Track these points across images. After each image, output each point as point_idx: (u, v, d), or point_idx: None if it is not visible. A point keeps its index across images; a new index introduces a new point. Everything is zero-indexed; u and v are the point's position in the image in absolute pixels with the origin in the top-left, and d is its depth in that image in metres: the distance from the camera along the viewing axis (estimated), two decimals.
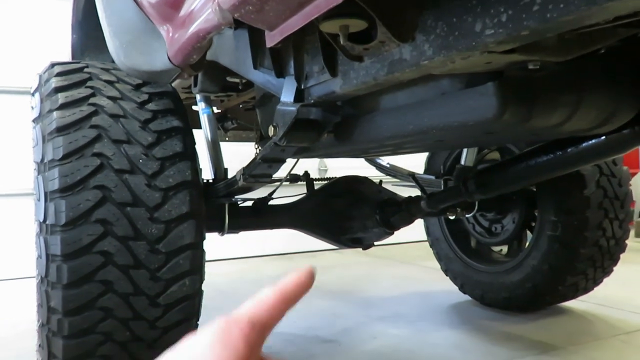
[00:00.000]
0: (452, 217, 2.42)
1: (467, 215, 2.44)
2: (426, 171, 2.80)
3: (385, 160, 2.82)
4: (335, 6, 0.79)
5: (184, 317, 1.31)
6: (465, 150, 2.32)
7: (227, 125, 2.85)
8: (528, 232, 2.50)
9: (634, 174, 5.34)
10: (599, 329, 2.25)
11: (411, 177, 2.47)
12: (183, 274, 1.28)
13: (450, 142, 1.44)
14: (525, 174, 1.43)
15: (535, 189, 2.31)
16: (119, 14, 1.41)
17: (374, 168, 2.85)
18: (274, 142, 1.27)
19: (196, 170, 1.41)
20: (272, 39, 0.93)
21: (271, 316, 0.38)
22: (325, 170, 4.60)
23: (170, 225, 1.28)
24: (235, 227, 1.91)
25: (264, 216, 2.05)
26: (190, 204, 1.32)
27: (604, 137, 1.24)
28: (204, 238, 1.36)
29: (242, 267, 3.99)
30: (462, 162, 2.34)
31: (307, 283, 0.42)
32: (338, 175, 2.19)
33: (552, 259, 2.23)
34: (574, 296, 2.41)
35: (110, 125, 1.35)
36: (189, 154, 1.41)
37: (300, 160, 2.28)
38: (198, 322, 1.41)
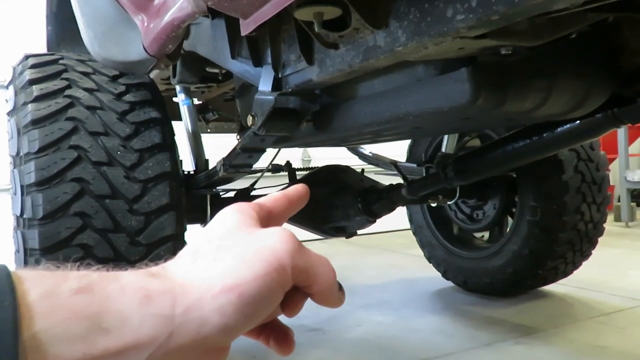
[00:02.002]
0: (434, 205, 2.44)
1: (448, 203, 2.47)
2: (408, 159, 2.82)
3: (367, 149, 2.83)
4: None
5: None
6: (445, 137, 2.34)
7: (208, 117, 2.83)
8: (509, 218, 2.54)
9: (612, 159, 5.43)
10: (578, 311, 2.30)
11: (393, 165, 2.49)
12: None
13: (428, 128, 1.45)
14: (503, 159, 1.45)
15: (515, 175, 2.33)
16: (93, 4, 1.39)
17: (357, 157, 2.87)
18: (253, 132, 1.27)
19: (176, 162, 1.40)
20: (246, 27, 0.93)
21: (275, 205, 0.47)
22: (309, 160, 4.60)
23: (150, 217, 1.28)
24: None
25: None
26: (170, 196, 1.31)
27: (578, 122, 1.26)
28: (185, 229, 1.35)
29: None
30: (443, 149, 2.36)
31: (304, 193, 0.50)
32: (321, 165, 2.20)
33: (532, 244, 2.27)
34: (554, 280, 2.46)
35: (87, 117, 1.33)
36: (168, 145, 1.40)
37: (284, 150, 2.29)
38: None
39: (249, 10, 0.89)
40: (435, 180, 1.71)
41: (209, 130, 3.06)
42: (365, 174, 2.14)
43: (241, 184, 2.25)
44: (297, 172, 2.23)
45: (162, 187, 1.31)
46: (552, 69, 1.00)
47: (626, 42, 1.08)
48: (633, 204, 4.98)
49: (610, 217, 5.15)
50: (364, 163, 2.82)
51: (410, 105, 1.02)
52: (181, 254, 0.40)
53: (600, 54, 1.07)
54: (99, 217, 1.22)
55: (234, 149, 1.50)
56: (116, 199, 1.25)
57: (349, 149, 2.85)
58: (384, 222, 2.19)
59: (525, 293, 2.54)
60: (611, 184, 5.44)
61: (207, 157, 1.92)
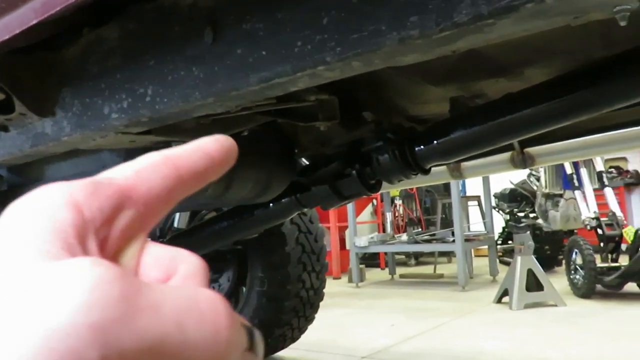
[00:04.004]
0: None
1: None
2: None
3: None
4: None
5: None
6: (177, 213, 2.36)
7: None
8: (244, 289, 2.64)
9: (345, 227, 6.17)
10: None
11: None
12: None
13: None
14: (213, 237, 1.52)
15: (241, 247, 2.46)
16: None
17: None
18: None
19: None
20: None
21: (142, 180, 0.22)
22: None
23: None
24: None
25: None
26: None
27: (271, 205, 1.40)
28: None
29: None
30: (176, 224, 2.38)
31: (223, 158, 0.24)
32: None
33: (261, 314, 2.39)
34: (283, 346, 2.61)
35: None
36: None
37: None
38: None
39: None
40: None
41: None
42: None
43: None
44: None
45: None
46: None
47: (299, 139, 1.26)
48: (362, 266, 5.69)
49: (345, 279, 5.79)
50: None
51: None
52: None
53: (279, 148, 1.23)
54: None
55: None
56: None
57: None
58: None
59: None
60: (347, 248, 6.16)
61: None
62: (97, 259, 0.18)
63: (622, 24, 0.54)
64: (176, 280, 0.22)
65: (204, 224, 1.54)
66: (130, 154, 1.00)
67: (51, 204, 0.19)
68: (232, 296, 2.62)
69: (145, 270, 0.22)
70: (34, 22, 0.56)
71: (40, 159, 1.05)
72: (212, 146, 0.24)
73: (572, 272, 4.25)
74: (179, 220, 2.36)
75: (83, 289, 0.16)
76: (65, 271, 0.17)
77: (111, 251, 0.21)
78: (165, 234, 2.44)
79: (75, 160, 1.07)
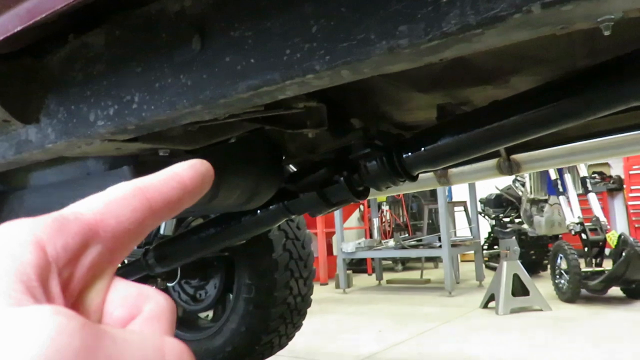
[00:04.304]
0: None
1: (169, 285, 2.44)
2: None
3: None
4: None
5: None
6: None
7: None
8: (231, 296, 2.63)
9: (332, 233, 6.17)
10: None
11: None
12: None
13: None
14: (199, 245, 1.51)
15: (227, 254, 2.45)
16: None
17: None
18: None
19: None
20: None
21: (109, 215, 0.22)
22: None
23: None
24: None
25: None
26: None
27: (259, 212, 1.40)
28: None
29: None
30: (162, 231, 2.35)
31: (196, 185, 0.24)
32: None
33: (248, 321, 2.37)
34: (271, 353, 2.59)
35: None
36: None
37: None
38: None
39: None
40: (138, 268, 1.67)
41: None
42: None
43: None
44: None
45: None
46: (220, 167, 1.10)
47: (286, 146, 1.26)
48: (349, 271, 5.68)
49: (332, 285, 5.78)
50: None
51: (79, 199, 0.99)
52: None
53: (266, 155, 1.23)
54: None
55: None
56: None
57: None
58: None
59: None
60: (334, 254, 6.16)
61: None
62: (58, 308, 0.17)
63: (606, 33, 0.55)
64: (140, 321, 0.21)
65: (190, 231, 1.53)
66: (115, 163, 0.99)
67: (13, 243, 0.19)
68: (219, 303, 2.60)
69: (110, 308, 0.21)
70: (19, 28, 0.55)
71: (24, 167, 1.03)
72: (186, 174, 0.24)
73: (557, 276, 4.28)
74: (165, 227, 2.34)
75: (42, 340, 0.16)
76: (25, 320, 0.16)
77: (76, 290, 0.20)
78: (151, 241, 2.42)
79: (60, 167, 1.06)
